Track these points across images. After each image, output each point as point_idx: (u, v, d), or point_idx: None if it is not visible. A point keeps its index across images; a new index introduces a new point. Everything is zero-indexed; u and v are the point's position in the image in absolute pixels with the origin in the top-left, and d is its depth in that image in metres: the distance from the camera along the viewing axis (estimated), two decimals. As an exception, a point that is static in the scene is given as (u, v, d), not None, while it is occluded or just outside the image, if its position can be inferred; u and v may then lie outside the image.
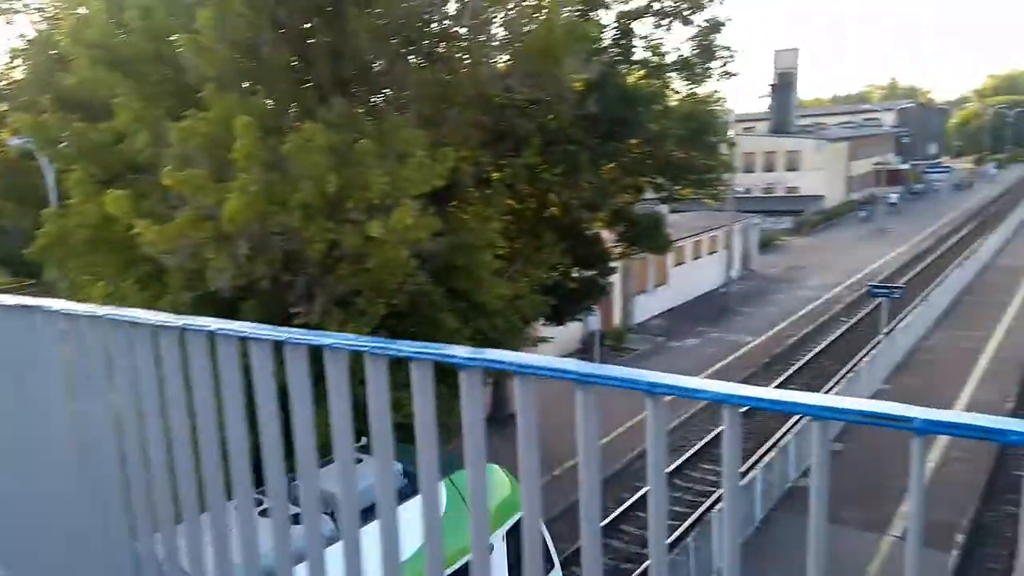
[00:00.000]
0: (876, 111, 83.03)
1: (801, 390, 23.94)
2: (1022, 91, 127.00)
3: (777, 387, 23.99)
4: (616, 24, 16.44)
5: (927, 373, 23.62)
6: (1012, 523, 15.26)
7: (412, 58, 12.45)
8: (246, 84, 11.88)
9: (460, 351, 1.82)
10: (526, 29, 11.95)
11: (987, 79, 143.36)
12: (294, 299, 10.82)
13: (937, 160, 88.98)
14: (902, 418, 1.33)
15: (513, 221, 17.15)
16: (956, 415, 1.32)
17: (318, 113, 10.51)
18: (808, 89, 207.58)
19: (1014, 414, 20.36)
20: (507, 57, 12.46)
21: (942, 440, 18.69)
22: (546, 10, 11.50)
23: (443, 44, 13.81)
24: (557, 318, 19.33)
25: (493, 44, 12.11)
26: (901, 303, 29.48)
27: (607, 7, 16.33)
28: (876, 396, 21.84)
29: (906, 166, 79.75)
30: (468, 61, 11.94)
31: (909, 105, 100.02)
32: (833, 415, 1.41)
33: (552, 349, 26.56)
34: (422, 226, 9.78)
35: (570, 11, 12.37)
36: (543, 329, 21.69)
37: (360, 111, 11.18)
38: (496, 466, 9.57)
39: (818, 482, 1.53)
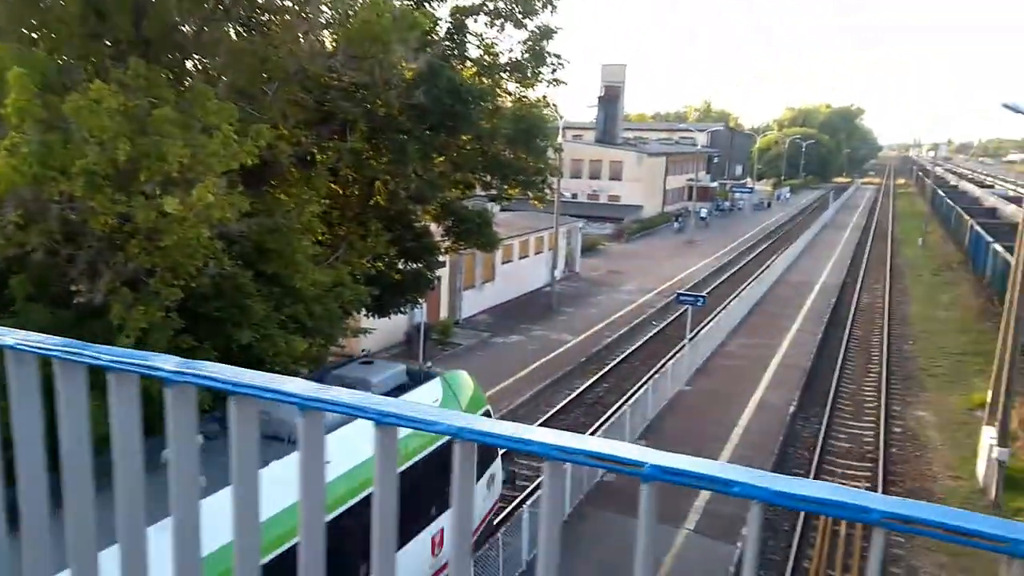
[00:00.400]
0: (691, 131, 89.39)
1: (613, 388, 25.23)
2: (813, 124, 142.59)
3: (591, 384, 25.11)
4: (450, 19, 16.30)
5: (724, 377, 25.61)
6: (791, 516, 16.82)
7: (227, 25, 11.46)
8: (27, 33, 10.42)
9: (168, 363, 1.46)
10: (353, 10, 11.40)
11: (785, 110, 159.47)
12: (75, 275, 9.55)
13: (742, 181, 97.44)
14: (634, 462, 1.26)
15: (337, 207, 16.47)
16: (689, 461, 1.25)
17: (112, 73, 9.34)
18: (633, 104, 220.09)
19: (796, 415, 22.58)
20: (332, 36, 11.84)
21: (734, 436, 20.32)
22: (376, -7, 11.04)
23: (265, 14, 12.92)
24: (381, 310, 18.84)
25: (318, 20, 11.44)
26: (705, 311, 31.85)
27: (442, 0, 16.17)
28: (679, 396, 23.36)
29: (715, 184, 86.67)
30: (289, 35, 11.17)
31: (720, 128, 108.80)
32: (563, 456, 1.29)
33: (375, 341, 25.96)
34: (226, 205, 8.95)
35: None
36: (366, 320, 21.14)
37: (164, 75, 10.08)
38: (463, 372, 14.69)
39: (547, 523, 1.33)
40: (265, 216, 11.87)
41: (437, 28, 15.74)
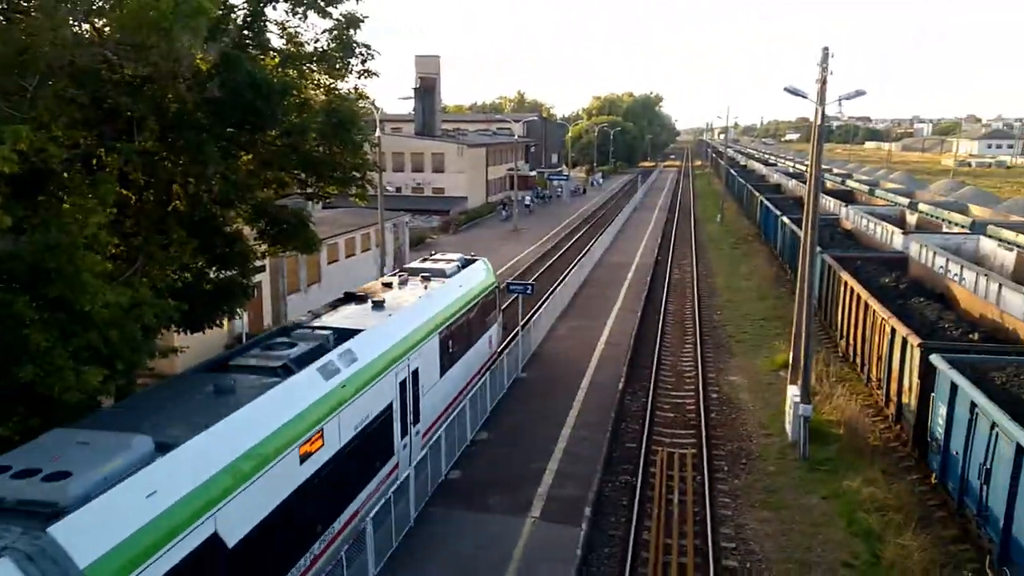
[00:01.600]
0: (507, 122, 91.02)
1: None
2: (618, 112, 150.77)
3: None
4: (246, 5, 15.05)
5: (556, 360, 26.19)
6: (628, 492, 17.45)
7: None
8: None
9: None
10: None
11: (592, 100, 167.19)
12: None
13: (559, 169, 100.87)
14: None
15: (130, 216, 14.74)
16: None
17: None
18: (450, 95, 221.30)
19: (625, 390, 23.54)
20: (103, 23, 10.42)
21: (571, 417, 20.76)
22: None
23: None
24: (194, 324, 17.21)
25: (83, 4, 9.99)
26: (535, 297, 32.47)
27: None
28: (516, 384, 23.56)
29: (534, 173, 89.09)
30: (51, 22, 9.65)
31: (534, 118, 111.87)
32: None
33: (191, 357, 23.89)
34: (-22, 222, 7.53)
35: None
36: (179, 337, 19.30)
37: None
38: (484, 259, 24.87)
39: None
40: (39, 232, 10.28)
41: (232, 16, 14.45)
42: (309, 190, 17.96)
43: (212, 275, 16.97)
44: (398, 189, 66.92)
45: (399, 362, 15.72)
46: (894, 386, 19.23)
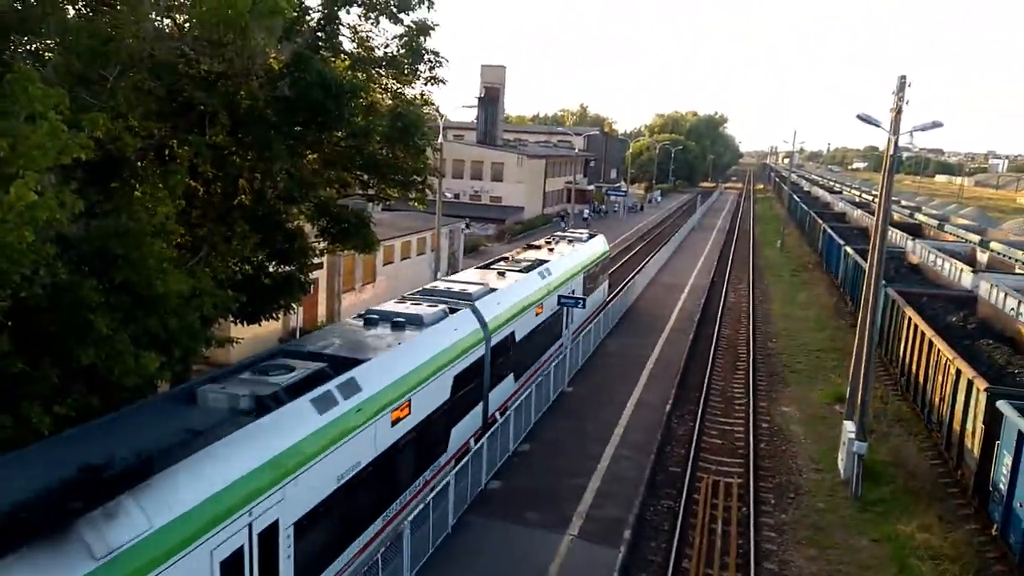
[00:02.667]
0: (568, 134, 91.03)
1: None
2: (681, 131, 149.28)
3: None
4: (321, 7, 15.36)
5: (604, 376, 25.90)
6: (670, 516, 17.07)
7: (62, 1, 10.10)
8: None
9: None
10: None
11: (655, 117, 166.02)
12: None
13: (617, 184, 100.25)
14: None
15: (197, 207, 15.14)
16: None
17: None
18: (512, 105, 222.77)
19: (672, 413, 23.11)
20: (183, 17, 10.71)
21: (615, 436, 20.45)
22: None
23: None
24: (251, 316, 17.57)
25: (160, 1, 10.28)
26: (585, 312, 32.22)
27: None
28: (562, 397, 23.37)
29: (592, 187, 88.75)
30: (135, 14, 9.97)
31: (596, 132, 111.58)
32: None
33: (246, 348, 24.41)
34: (54, 204, 7.78)
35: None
36: (235, 328, 19.71)
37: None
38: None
39: None
40: (111, 217, 10.60)
41: (307, 17, 14.76)
42: (370, 191, 18.20)
43: (271, 269, 17.30)
44: (456, 196, 67.43)
45: (571, 278, 27.88)
46: (956, 430, 18.41)
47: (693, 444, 20.99)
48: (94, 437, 9.23)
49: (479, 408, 18.32)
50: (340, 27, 15.65)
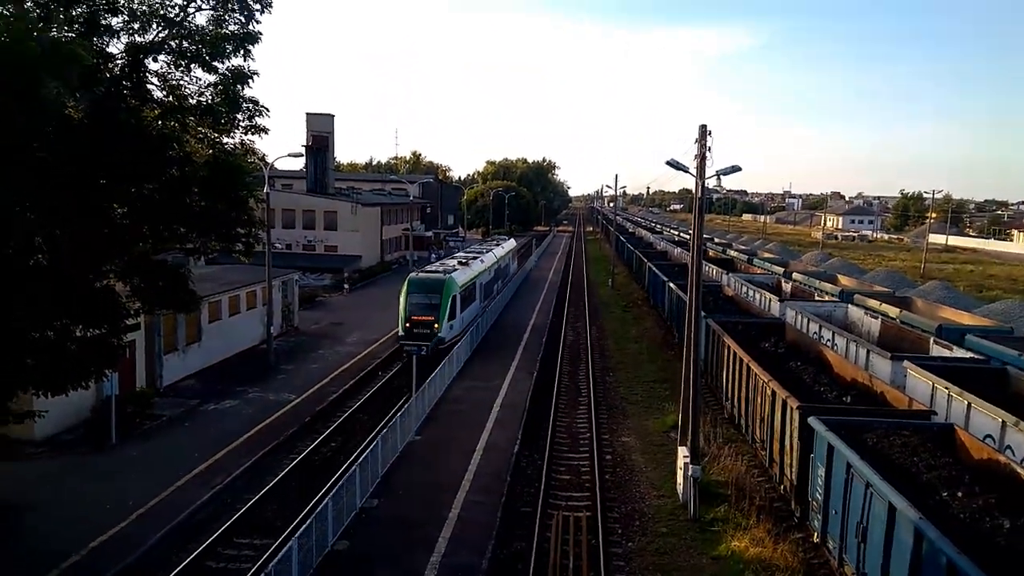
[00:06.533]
0: (403, 182, 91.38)
1: (342, 446, 24.00)
2: (513, 177, 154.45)
3: (318, 444, 23.65)
4: (125, 55, 14.34)
5: (452, 423, 25.71)
6: (523, 558, 17.03)
7: None
8: None
9: None
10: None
11: (487, 164, 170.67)
12: None
13: (455, 230, 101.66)
14: None
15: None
16: None
17: None
18: (345, 152, 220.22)
19: (520, 453, 23.28)
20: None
21: (465, 482, 20.24)
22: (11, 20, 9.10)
23: None
24: (54, 386, 15.73)
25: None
26: (433, 357, 32.01)
27: (115, 35, 14.17)
28: (410, 447, 22.87)
29: (430, 233, 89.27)
30: None
31: (430, 180, 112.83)
32: None
33: (51, 424, 21.86)
34: None
35: (57, 30, 10.08)
36: (37, 401, 17.61)
37: None
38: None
39: None
40: None
41: (110, 65, 13.71)
42: (190, 245, 17.06)
43: (77, 333, 15.68)
44: (288, 246, 65.18)
45: (495, 265, 52.00)
46: (776, 446, 19.93)
47: (543, 483, 21.20)
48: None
49: (479, 299, 43.92)
50: (147, 75, 14.69)
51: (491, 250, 54.28)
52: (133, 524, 17.41)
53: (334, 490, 17.20)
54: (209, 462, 21.58)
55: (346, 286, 58.95)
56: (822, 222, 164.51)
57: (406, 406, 24.44)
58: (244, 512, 18.73)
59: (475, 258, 46.83)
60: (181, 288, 16.24)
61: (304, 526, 15.23)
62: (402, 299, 35.87)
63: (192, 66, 14.95)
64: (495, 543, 17.10)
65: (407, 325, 35.00)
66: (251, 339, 36.72)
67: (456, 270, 39.79)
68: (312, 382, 31.06)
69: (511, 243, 66.76)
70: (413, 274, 37.97)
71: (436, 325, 34.93)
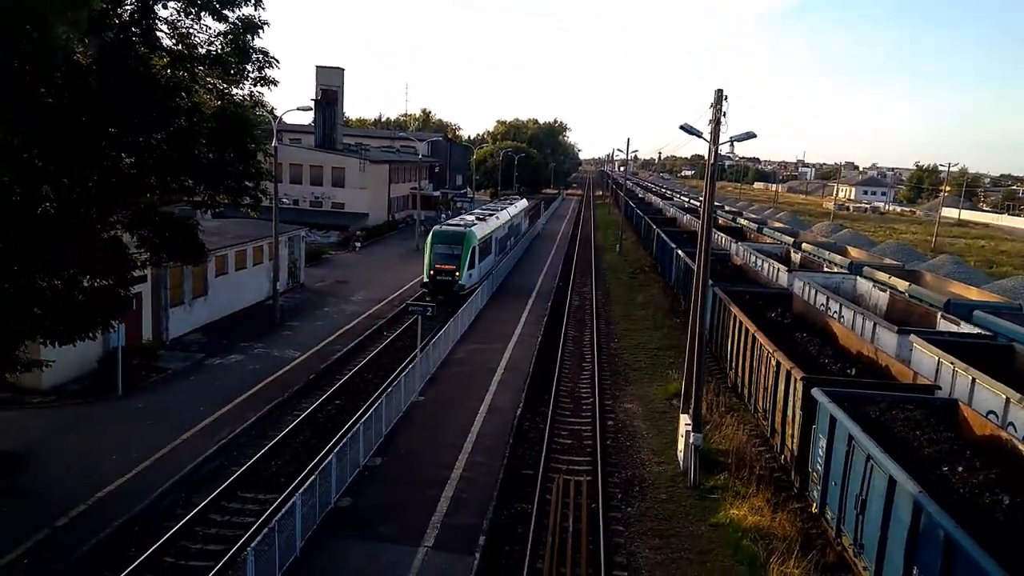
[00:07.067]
0: (412, 140, 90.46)
1: (346, 405, 24.15)
2: (523, 138, 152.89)
3: (322, 402, 23.80)
4: (135, 1, 14.05)
5: (456, 384, 25.82)
6: (523, 519, 17.22)
7: None
8: None
9: None
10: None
11: (497, 124, 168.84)
12: None
13: (463, 191, 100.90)
14: None
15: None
16: None
17: None
18: (354, 108, 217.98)
19: (523, 416, 23.41)
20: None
21: (467, 443, 20.40)
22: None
23: None
24: (62, 336, 15.79)
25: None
26: (434, 319, 32.01)
27: None
28: (413, 407, 23.02)
29: (437, 193, 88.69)
30: None
31: (439, 139, 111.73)
32: None
33: (58, 372, 22.03)
34: None
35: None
36: (44, 350, 17.74)
37: None
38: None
39: None
40: None
41: (119, 10, 13.45)
42: (197, 198, 16.95)
43: (85, 283, 15.69)
44: (295, 202, 64.98)
45: (508, 222, 55.35)
46: (778, 417, 19.97)
47: (544, 446, 21.34)
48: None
49: (494, 253, 46.43)
50: (157, 22, 14.41)
51: (505, 208, 58.26)
52: (139, 475, 17.63)
53: (338, 447, 17.34)
54: (214, 416, 21.77)
55: (357, 244, 58.80)
56: (834, 192, 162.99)
57: (411, 366, 24.52)
58: (249, 467, 18.93)
59: (491, 215, 50.64)
60: (189, 240, 16.19)
61: (308, 482, 15.38)
62: (427, 249, 39.44)
63: (202, 14, 14.68)
64: (496, 504, 17.26)
65: (431, 273, 38.65)
66: (257, 294, 36.79)
67: (475, 224, 43.02)
68: (318, 339, 31.18)
69: (523, 203, 71.61)
70: (437, 227, 41.71)
71: (457, 273, 38.40)
